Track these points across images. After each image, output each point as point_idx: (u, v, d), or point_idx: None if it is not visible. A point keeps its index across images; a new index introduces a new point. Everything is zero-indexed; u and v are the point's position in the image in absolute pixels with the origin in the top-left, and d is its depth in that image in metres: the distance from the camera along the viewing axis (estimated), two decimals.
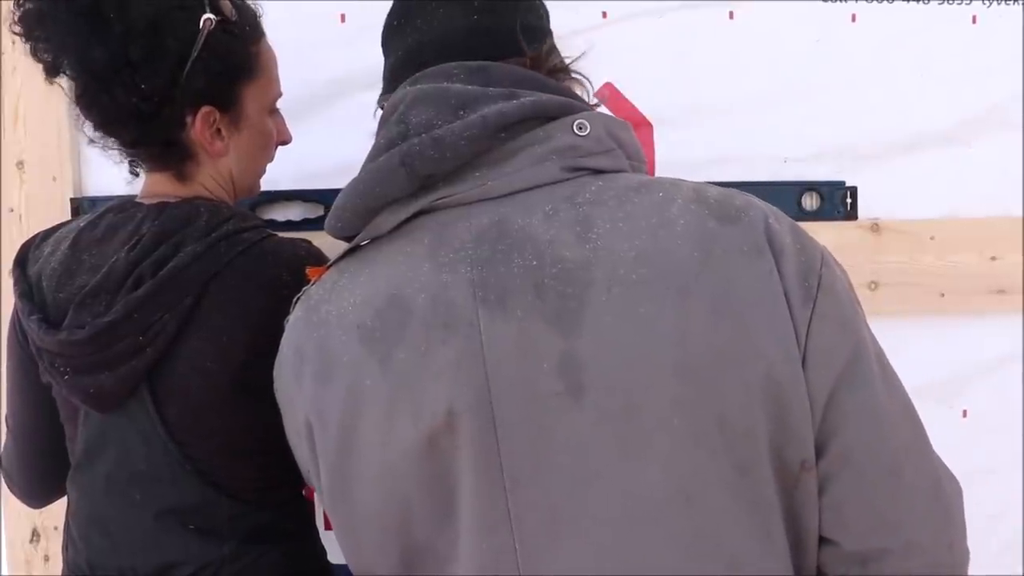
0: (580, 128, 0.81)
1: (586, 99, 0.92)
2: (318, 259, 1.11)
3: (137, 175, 1.17)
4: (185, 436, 1.05)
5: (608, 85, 1.49)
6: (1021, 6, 1.57)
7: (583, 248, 0.76)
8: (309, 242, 1.12)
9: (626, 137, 0.85)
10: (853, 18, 1.55)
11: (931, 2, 1.56)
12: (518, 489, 0.76)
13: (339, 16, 1.53)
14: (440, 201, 0.81)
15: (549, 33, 0.91)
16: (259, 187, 1.22)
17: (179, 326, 1.02)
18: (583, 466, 0.75)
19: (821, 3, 1.55)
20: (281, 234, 1.12)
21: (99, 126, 1.08)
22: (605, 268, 0.75)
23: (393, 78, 0.91)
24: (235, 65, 1.08)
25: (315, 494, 0.92)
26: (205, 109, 1.07)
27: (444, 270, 0.79)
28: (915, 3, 1.56)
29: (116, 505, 1.08)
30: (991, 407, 1.59)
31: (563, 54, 0.93)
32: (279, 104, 1.19)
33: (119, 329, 1.01)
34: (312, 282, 0.90)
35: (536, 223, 0.78)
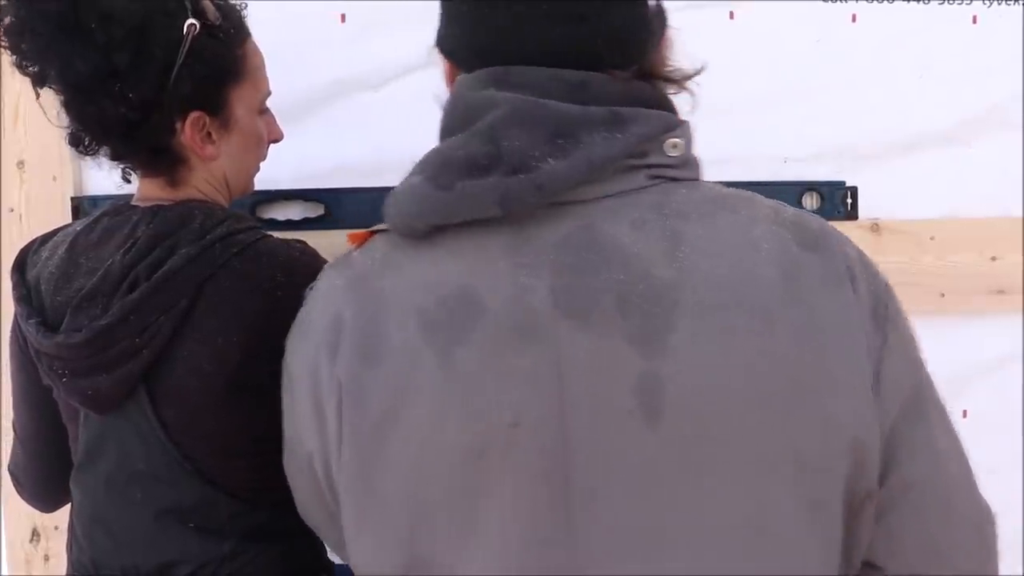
0: (674, 148, 0.78)
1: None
2: (313, 259, 1.11)
3: (129, 181, 1.17)
4: (182, 437, 1.06)
5: None
6: (1021, 6, 1.57)
7: (670, 267, 0.74)
8: (304, 243, 1.12)
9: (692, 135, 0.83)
10: (853, 18, 1.55)
11: (931, 2, 1.56)
12: (584, 506, 0.73)
13: (339, 16, 1.53)
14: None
15: (655, 33, 0.82)
16: (253, 186, 1.22)
17: (175, 328, 1.02)
18: (655, 489, 0.73)
19: (821, 3, 1.54)
20: (277, 234, 1.12)
21: (88, 136, 1.08)
22: (691, 290, 0.73)
23: (465, 55, 0.83)
24: (222, 69, 1.08)
25: (306, 479, 0.86)
26: (194, 114, 1.06)
27: (524, 272, 0.75)
28: (915, 3, 1.56)
29: (117, 505, 1.09)
30: (991, 407, 1.59)
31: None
32: (270, 102, 1.19)
33: (115, 332, 1.01)
34: (354, 247, 0.84)
35: (624, 234, 0.75)
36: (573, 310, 0.73)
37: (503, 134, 0.75)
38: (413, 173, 0.79)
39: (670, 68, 0.84)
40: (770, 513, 0.73)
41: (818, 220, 0.80)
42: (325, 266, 0.87)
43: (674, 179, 0.79)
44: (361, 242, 0.84)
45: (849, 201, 1.57)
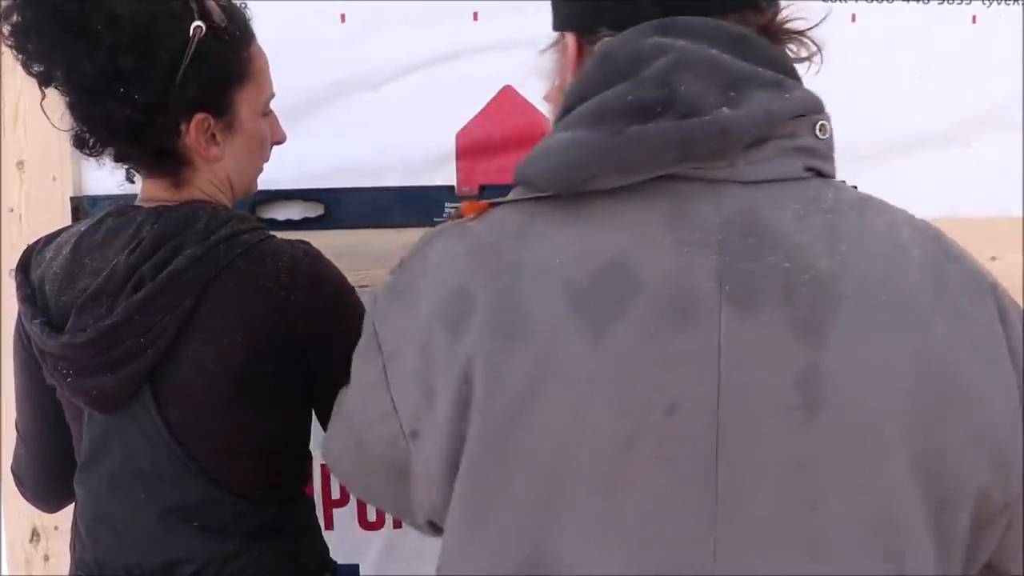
0: (822, 131, 0.77)
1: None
2: (317, 259, 1.11)
3: (133, 182, 1.17)
4: (187, 436, 1.06)
5: None
6: (1021, 6, 1.57)
7: (832, 259, 0.71)
8: (308, 243, 1.12)
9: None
10: (853, 18, 1.56)
11: (931, 2, 1.56)
12: (733, 501, 0.70)
13: (339, 16, 1.53)
14: (685, 170, 0.72)
15: None
16: (256, 187, 1.23)
17: (179, 328, 1.03)
18: (805, 487, 0.70)
19: (821, 3, 1.54)
20: (279, 234, 1.12)
21: (93, 137, 1.08)
22: (853, 284, 0.71)
23: (613, 13, 0.77)
24: (227, 71, 1.08)
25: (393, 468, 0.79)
26: (199, 116, 1.07)
27: (687, 251, 0.71)
28: (915, 3, 1.56)
29: (121, 504, 1.09)
30: None
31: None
32: (272, 104, 1.19)
33: (120, 332, 1.02)
34: (468, 217, 0.78)
35: (787, 222, 0.73)
36: (738, 294, 0.70)
37: (676, 79, 0.71)
38: (560, 130, 0.74)
39: (798, 28, 0.81)
40: (905, 513, 0.72)
41: (946, 235, 0.78)
42: (430, 233, 0.80)
43: (823, 175, 0.78)
44: (479, 212, 0.77)
45: None
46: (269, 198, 1.54)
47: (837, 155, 1.59)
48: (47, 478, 1.21)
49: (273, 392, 1.07)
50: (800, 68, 0.82)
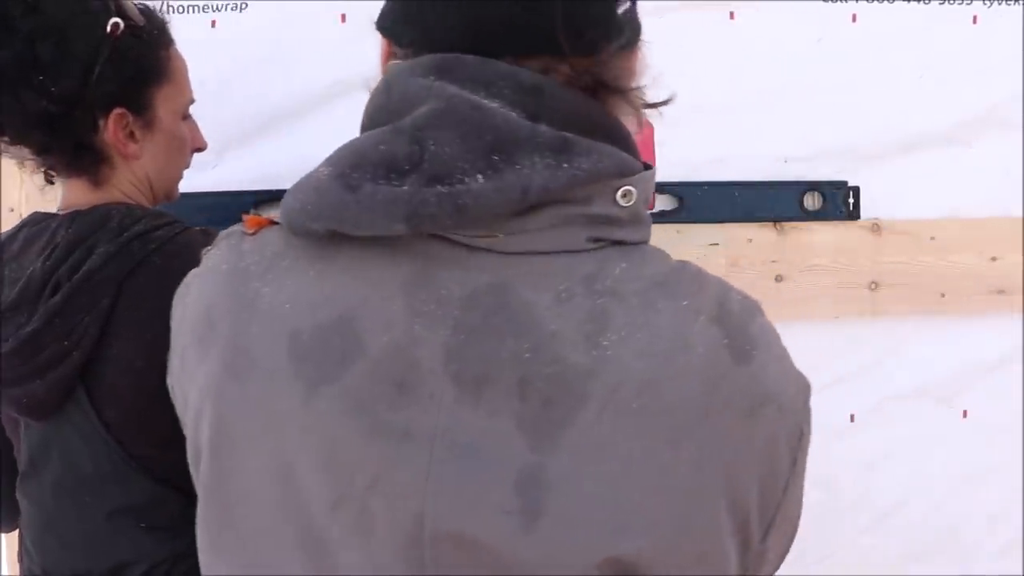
0: (625, 197, 0.67)
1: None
2: None
3: (52, 183, 1.17)
4: (124, 435, 1.05)
5: None
6: (1021, 6, 1.57)
7: (589, 353, 0.64)
8: None
9: (652, 185, 0.71)
10: (853, 18, 1.56)
11: (931, 2, 1.56)
12: None
13: (339, 16, 1.53)
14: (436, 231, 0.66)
15: (623, 33, 0.69)
16: (177, 192, 1.22)
17: (101, 327, 1.02)
18: None
19: (821, 3, 1.55)
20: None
21: (10, 132, 1.08)
22: (606, 385, 0.63)
23: (405, 32, 0.70)
24: (145, 69, 1.09)
25: None
26: (117, 111, 1.07)
27: (419, 320, 0.65)
28: (915, 3, 1.56)
29: (66, 510, 1.08)
30: (991, 407, 1.59)
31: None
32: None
33: (42, 336, 1.02)
34: (248, 231, 0.74)
35: (543, 305, 0.65)
36: (466, 379, 0.64)
37: (432, 135, 0.64)
38: (322, 163, 0.69)
39: (632, 86, 0.71)
40: None
41: (761, 321, 0.68)
42: (221, 234, 0.76)
43: (619, 242, 0.68)
44: (257, 228, 0.73)
45: (851, 201, 1.57)
46: (269, 198, 1.54)
47: (837, 155, 1.61)
48: None
49: None
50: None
